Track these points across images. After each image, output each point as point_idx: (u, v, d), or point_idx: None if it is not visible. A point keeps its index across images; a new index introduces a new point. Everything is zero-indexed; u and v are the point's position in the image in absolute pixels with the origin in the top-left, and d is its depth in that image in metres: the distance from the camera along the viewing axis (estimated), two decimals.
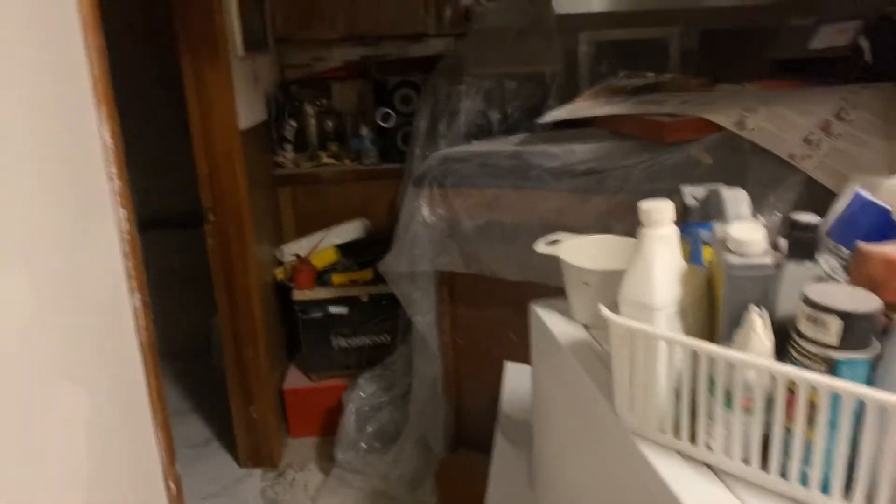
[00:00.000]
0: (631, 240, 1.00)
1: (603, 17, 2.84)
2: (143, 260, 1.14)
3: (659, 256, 0.63)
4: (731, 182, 1.24)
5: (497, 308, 1.62)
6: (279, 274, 2.28)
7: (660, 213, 0.63)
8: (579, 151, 1.44)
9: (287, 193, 2.46)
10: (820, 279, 0.61)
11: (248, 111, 2.09)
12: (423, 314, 1.66)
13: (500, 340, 1.62)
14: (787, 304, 0.61)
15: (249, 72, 2.14)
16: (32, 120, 0.86)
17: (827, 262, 0.64)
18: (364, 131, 2.50)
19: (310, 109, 2.55)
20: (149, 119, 2.56)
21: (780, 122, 1.24)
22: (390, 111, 2.45)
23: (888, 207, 0.60)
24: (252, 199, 2.01)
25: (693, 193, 0.74)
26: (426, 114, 2.38)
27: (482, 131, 2.41)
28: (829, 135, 1.22)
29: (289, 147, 2.48)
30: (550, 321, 0.98)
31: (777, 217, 1.15)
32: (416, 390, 1.78)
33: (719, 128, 1.27)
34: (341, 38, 2.54)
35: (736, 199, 0.66)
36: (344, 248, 2.34)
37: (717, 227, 0.63)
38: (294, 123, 2.50)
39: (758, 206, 1.18)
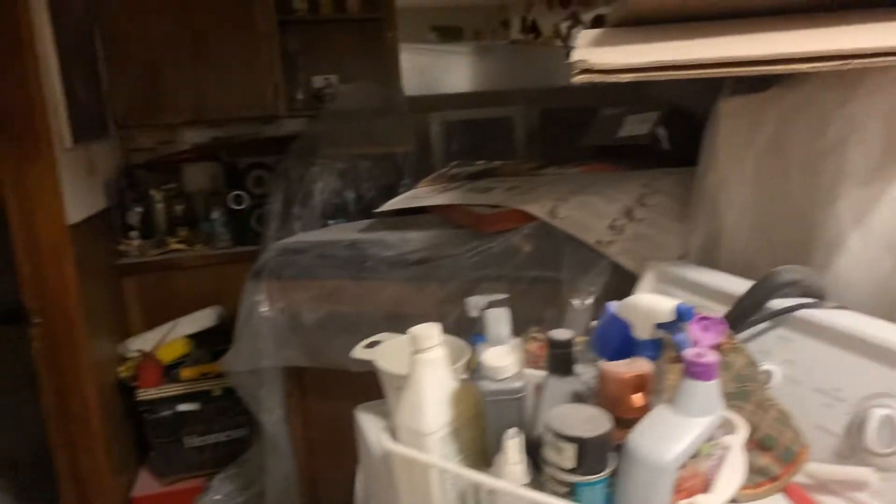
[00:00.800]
0: (454, 340, 1.03)
1: (453, 98, 2.99)
2: None
3: (427, 381, 0.64)
4: (548, 267, 1.33)
5: (349, 401, 1.59)
6: (123, 372, 2.13)
7: (426, 339, 0.64)
8: (413, 240, 1.48)
9: (132, 283, 2.33)
10: (577, 394, 0.64)
11: (81, 203, 1.97)
12: (271, 412, 1.60)
13: (352, 430, 1.59)
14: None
15: (82, 162, 2.03)
16: None
17: (588, 373, 0.68)
18: (216, 214, 2.43)
19: (156, 194, 2.45)
20: None
21: (589, 210, 1.34)
22: (242, 193, 2.41)
23: (628, 322, 0.66)
24: (86, 295, 1.88)
25: (477, 304, 0.77)
26: (280, 195, 2.36)
27: (338, 211, 2.42)
28: (631, 220, 1.33)
29: (134, 234, 2.36)
30: (369, 427, 0.97)
31: (590, 303, 1.23)
32: (269, 491, 1.69)
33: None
34: (189, 122, 2.50)
35: (497, 319, 0.70)
36: (196, 339, 2.23)
37: (478, 350, 0.66)
38: (139, 209, 2.39)
39: (572, 291, 1.26)
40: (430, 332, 0.65)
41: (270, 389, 1.59)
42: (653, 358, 0.63)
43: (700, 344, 0.55)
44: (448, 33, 3.61)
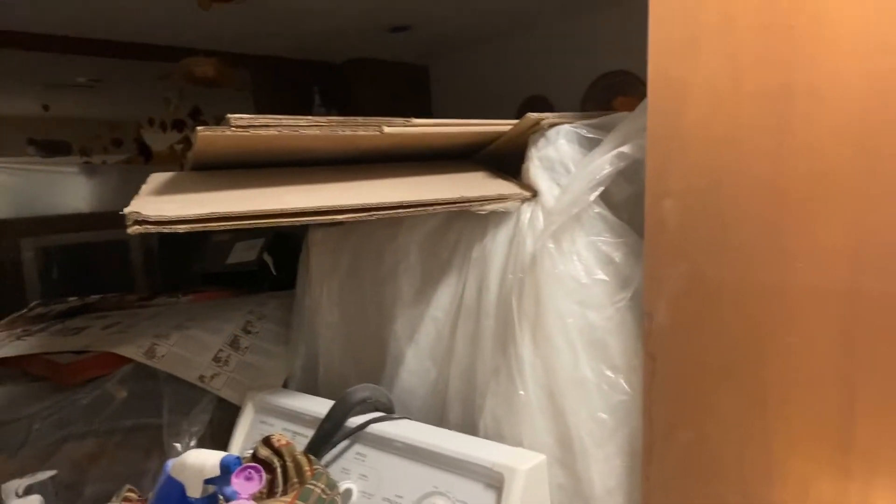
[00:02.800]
0: None
1: (55, 220, 2.66)
2: None
3: None
4: (148, 413, 1.23)
5: None
6: None
7: None
8: None
9: None
10: None
11: None
12: None
13: None
14: None
15: None
16: None
17: None
18: None
19: None
20: None
21: (192, 345, 1.30)
22: None
23: (181, 482, 0.64)
24: None
25: (15, 489, 0.66)
26: None
27: None
28: (237, 350, 1.33)
29: None
30: None
31: (194, 445, 1.17)
32: None
33: None
34: None
35: None
36: None
37: None
38: None
39: (174, 435, 1.19)
40: None
41: None
42: None
43: (241, 496, 0.56)
44: (51, 148, 3.26)
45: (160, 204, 0.80)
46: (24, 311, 1.52)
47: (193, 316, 1.41)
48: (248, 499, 0.54)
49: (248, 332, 1.37)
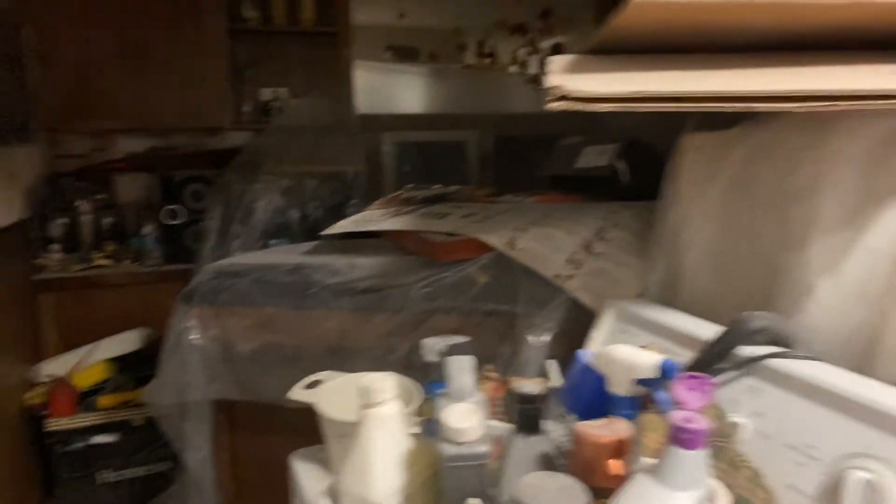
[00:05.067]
0: (403, 381, 0.94)
1: (406, 118, 2.93)
2: None
3: (378, 441, 0.56)
4: (503, 301, 1.26)
5: (283, 438, 1.47)
6: (32, 399, 1.93)
7: (378, 393, 0.56)
8: (361, 266, 1.39)
9: (50, 301, 2.13)
10: (546, 456, 0.57)
11: None
12: (197, 449, 1.46)
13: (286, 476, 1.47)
14: (516, 480, 0.56)
15: None
16: None
17: (557, 430, 0.61)
18: (147, 229, 2.27)
19: (83, 205, 2.28)
20: None
21: (548, 242, 1.28)
22: (178, 208, 2.26)
23: (603, 374, 0.59)
24: None
25: (435, 347, 0.69)
26: (218, 212, 2.23)
27: (280, 231, 2.30)
28: (590, 254, 1.28)
29: (55, 248, 2.18)
30: (307, 482, 0.87)
31: (546, 339, 1.17)
32: None
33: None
34: (127, 129, 2.34)
35: (460, 368, 0.62)
36: (118, 363, 2.05)
37: (436, 403, 0.58)
38: (63, 221, 2.21)
39: (528, 327, 1.20)
40: (383, 385, 0.56)
41: (197, 424, 1.46)
42: (630, 417, 0.56)
43: (686, 407, 0.49)
44: (403, 53, 3.57)
45: (581, 81, 0.74)
46: (398, 192, 1.68)
47: (548, 214, 1.40)
48: (695, 410, 0.47)
49: (602, 239, 1.31)
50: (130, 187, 2.46)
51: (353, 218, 1.59)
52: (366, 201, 2.41)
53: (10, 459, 1.76)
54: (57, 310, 2.15)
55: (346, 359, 1.36)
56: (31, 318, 2.09)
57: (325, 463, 0.90)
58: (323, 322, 1.35)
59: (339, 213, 2.39)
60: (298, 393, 0.93)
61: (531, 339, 1.17)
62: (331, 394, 0.90)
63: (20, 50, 2.06)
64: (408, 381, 0.90)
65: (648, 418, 0.55)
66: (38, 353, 2.09)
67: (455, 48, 3.22)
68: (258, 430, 1.50)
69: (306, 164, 2.39)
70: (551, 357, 0.89)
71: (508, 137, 2.74)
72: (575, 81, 0.73)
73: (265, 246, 2.24)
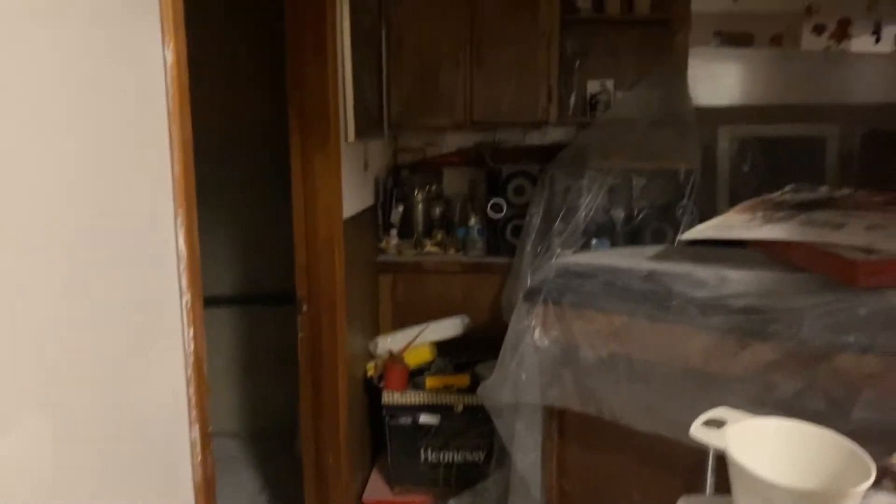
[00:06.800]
0: (833, 436, 0.73)
1: (747, 110, 2.57)
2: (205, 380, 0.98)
3: None
4: None
5: (616, 456, 1.35)
6: (370, 370, 2.11)
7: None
8: (734, 281, 1.18)
9: (387, 281, 2.32)
10: None
11: (355, 197, 1.99)
12: (526, 452, 1.41)
13: (617, 495, 1.34)
14: None
15: (360, 157, 2.05)
16: (96, 216, 0.74)
17: None
18: (472, 221, 2.34)
19: (418, 195, 2.44)
20: (249, 192, 2.51)
21: None
22: (501, 202, 2.28)
23: None
24: (349, 288, 1.87)
25: None
26: (540, 207, 2.19)
27: (602, 230, 2.18)
28: None
29: (393, 232, 2.36)
30: None
31: None
32: None
33: None
34: (457, 125, 2.43)
35: None
36: (440, 347, 2.14)
37: None
38: (402, 209, 2.39)
39: None
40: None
41: (529, 428, 1.41)
42: None
43: None
44: (735, 39, 3.19)
45: None
46: (770, 195, 1.42)
47: None
48: None
49: None
50: (458, 180, 2.58)
51: (712, 223, 1.38)
52: (701, 205, 2.16)
53: (353, 424, 1.93)
54: (391, 290, 2.33)
55: (709, 387, 1.16)
56: (374, 297, 2.29)
57: None
58: (684, 340, 1.18)
59: (667, 216, 2.18)
60: (701, 432, 0.77)
61: None
62: (743, 438, 0.73)
63: (380, 50, 2.26)
64: (854, 448, 0.68)
65: None
66: (376, 329, 2.29)
67: (810, 31, 2.75)
68: (588, 445, 1.39)
69: (634, 160, 2.23)
70: None
71: (882, 132, 2.23)
72: None
73: (586, 245, 2.14)
